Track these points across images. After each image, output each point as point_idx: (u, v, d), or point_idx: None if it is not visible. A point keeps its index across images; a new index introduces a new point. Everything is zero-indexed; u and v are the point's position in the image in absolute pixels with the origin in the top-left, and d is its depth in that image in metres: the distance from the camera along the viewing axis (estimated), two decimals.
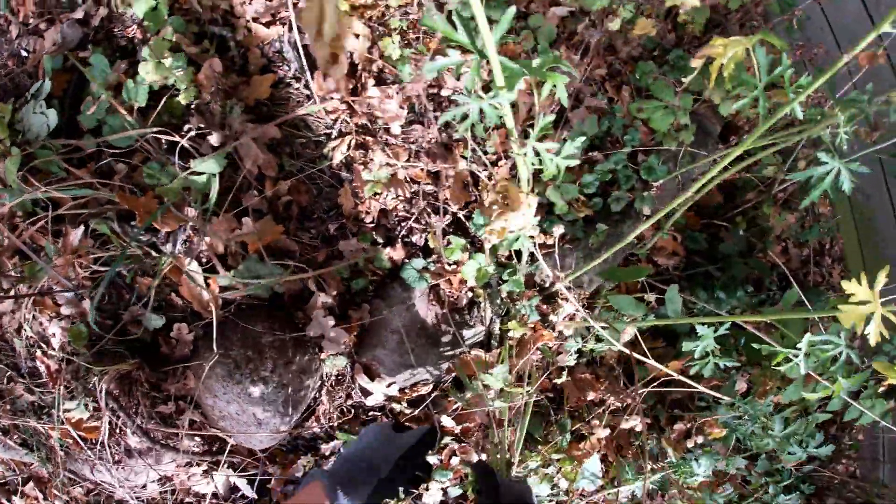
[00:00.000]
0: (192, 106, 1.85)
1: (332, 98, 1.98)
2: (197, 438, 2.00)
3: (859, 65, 1.80)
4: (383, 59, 2.02)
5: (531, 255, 1.86)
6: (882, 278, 1.16)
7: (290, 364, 1.93)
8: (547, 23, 2.14)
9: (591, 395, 2.30)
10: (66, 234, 1.72)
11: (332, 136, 2.00)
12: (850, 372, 1.59)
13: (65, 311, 1.80)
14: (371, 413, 2.16)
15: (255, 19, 1.96)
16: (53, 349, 1.78)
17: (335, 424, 2.12)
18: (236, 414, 1.88)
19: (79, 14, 1.84)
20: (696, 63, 1.51)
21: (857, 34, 2.32)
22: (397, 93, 2.01)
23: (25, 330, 1.79)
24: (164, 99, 1.80)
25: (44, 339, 1.81)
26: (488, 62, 1.06)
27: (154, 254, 1.80)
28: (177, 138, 1.74)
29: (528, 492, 1.33)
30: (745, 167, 2.39)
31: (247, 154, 1.90)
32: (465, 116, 1.12)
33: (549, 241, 2.09)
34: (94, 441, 1.86)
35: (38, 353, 1.81)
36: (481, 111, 1.13)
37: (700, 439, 2.14)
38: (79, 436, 1.83)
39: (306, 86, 1.97)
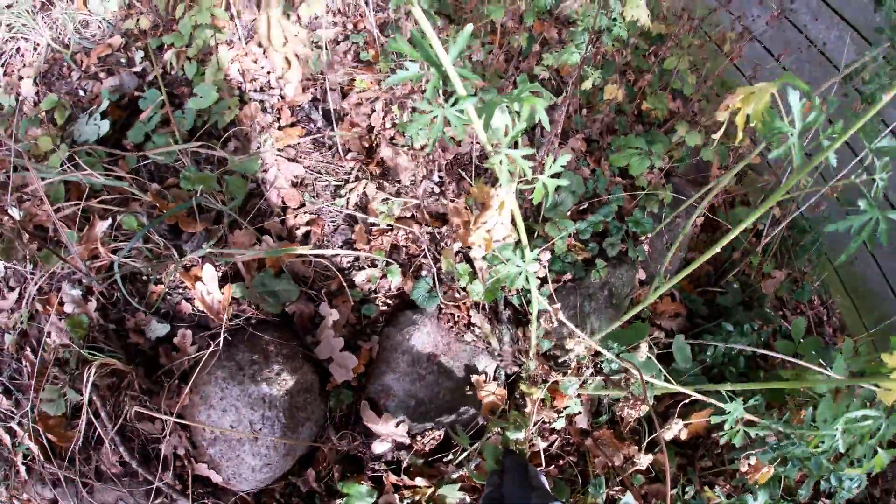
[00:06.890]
0: (232, 131, 2.07)
1: (350, 150, 2.23)
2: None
3: None
4: (394, 126, 2.33)
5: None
6: None
7: (297, 373, 1.80)
8: None
9: (617, 460, 2.09)
10: (92, 225, 1.76)
11: (350, 181, 2.19)
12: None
13: (68, 309, 1.74)
14: (377, 465, 1.91)
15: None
16: (48, 345, 1.67)
17: (336, 475, 1.86)
18: (231, 426, 1.68)
19: (137, 68, 2.16)
20: (721, 116, 1.44)
21: None
22: (407, 151, 2.27)
23: (22, 324, 1.69)
24: (205, 124, 2.03)
25: (37, 338, 1.71)
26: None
27: (175, 254, 1.82)
28: (216, 151, 1.90)
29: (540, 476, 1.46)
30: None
31: (273, 183, 2.06)
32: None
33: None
34: (63, 454, 1.61)
35: (27, 350, 1.69)
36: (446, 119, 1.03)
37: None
38: (48, 443, 1.59)
39: (331, 138, 2.22)
